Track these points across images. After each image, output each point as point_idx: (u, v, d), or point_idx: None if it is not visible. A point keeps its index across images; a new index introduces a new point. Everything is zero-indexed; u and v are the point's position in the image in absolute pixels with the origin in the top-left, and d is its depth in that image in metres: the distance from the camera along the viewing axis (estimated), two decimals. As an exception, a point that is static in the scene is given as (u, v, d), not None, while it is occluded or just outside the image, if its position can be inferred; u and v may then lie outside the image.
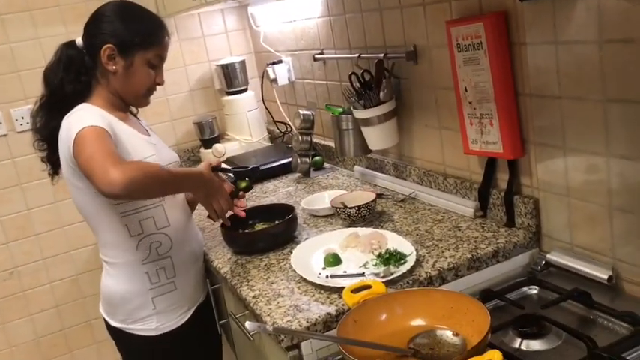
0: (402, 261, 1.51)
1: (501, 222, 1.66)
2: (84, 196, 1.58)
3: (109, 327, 1.73)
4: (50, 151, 1.65)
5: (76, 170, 1.49)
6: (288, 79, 2.76)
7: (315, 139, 2.55)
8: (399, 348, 1.19)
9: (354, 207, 1.79)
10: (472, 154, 1.70)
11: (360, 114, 1.97)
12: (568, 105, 1.38)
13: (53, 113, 1.60)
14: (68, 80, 1.59)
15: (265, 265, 1.69)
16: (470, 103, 1.62)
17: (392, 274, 1.46)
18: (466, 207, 1.75)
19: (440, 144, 1.88)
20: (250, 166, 1.86)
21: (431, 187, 1.93)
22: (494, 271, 1.55)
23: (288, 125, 2.84)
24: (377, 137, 1.98)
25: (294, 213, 1.82)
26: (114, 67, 1.59)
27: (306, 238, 1.80)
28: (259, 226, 1.90)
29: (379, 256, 1.57)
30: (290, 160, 2.49)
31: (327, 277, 1.53)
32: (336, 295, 1.44)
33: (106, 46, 1.57)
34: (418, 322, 1.27)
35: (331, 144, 2.54)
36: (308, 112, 2.41)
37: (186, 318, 1.73)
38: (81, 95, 1.60)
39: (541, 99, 1.45)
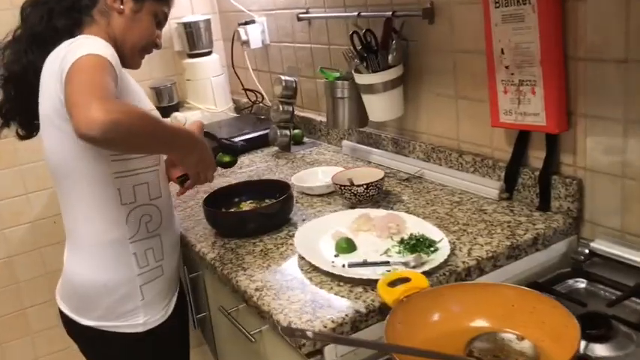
0: (432, 248, 1.29)
1: (532, 205, 1.47)
2: (70, 146, 1.25)
3: (75, 327, 1.40)
4: (5, 96, 1.36)
5: (64, 108, 1.16)
6: (262, 42, 2.47)
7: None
8: (460, 357, 0.97)
9: (362, 185, 1.55)
10: (501, 127, 1.49)
11: (364, 79, 1.72)
12: (637, 70, 1.19)
13: (32, 47, 1.31)
14: (58, 12, 1.32)
15: (261, 250, 1.43)
16: (506, 67, 1.40)
17: (423, 263, 1.24)
18: (488, 187, 1.55)
19: (455, 116, 1.66)
20: (239, 141, 1.60)
21: (440, 165, 1.72)
22: (531, 261, 1.35)
23: (259, 94, 2.55)
24: (381, 107, 1.75)
25: (290, 191, 1.56)
26: (121, 6, 1.35)
27: (304, 220, 1.55)
28: (245, 205, 1.62)
29: (402, 242, 1.34)
30: (267, 131, 2.21)
31: (343, 266, 1.28)
32: (360, 289, 1.20)
33: None
34: (478, 323, 1.05)
35: (311, 116, 2.30)
36: (290, 79, 2.14)
37: (171, 310, 1.46)
38: (70, 32, 1.30)
39: (599, 63, 1.25)
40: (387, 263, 1.27)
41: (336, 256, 1.34)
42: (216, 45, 2.75)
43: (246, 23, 2.46)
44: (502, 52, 1.40)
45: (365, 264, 1.28)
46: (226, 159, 1.60)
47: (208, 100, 2.65)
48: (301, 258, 1.34)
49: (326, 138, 2.22)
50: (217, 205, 1.60)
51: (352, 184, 1.57)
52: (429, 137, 1.78)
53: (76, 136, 1.04)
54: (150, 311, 1.39)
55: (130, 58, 1.40)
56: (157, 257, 1.39)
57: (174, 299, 1.50)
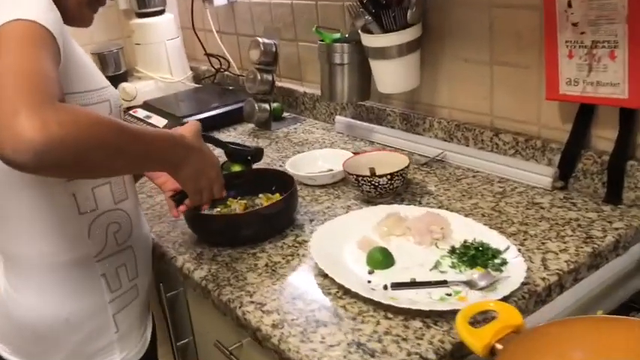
0: (498, 261, 1.00)
1: (597, 196, 1.20)
2: None
3: None
4: None
5: None
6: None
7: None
8: None
9: (385, 175, 1.23)
10: (561, 101, 1.20)
11: (376, 41, 1.39)
12: None
13: None
14: None
15: (266, 265, 1.10)
16: (574, 25, 1.11)
17: (492, 283, 0.94)
18: (537, 174, 1.27)
19: (488, 86, 1.37)
20: (253, 146, 1.26)
21: (467, 146, 1.43)
22: (609, 270, 1.08)
23: (224, 60, 2.18)
24: (395, 75, 1.43)
25: (295, 185, 1.22)
26: None
27: (312, 221, 1.23)
28: (235, 203, 1.28)
29: (453, 251, 1.04)
30: (241, 105, 1.86)
31: (385, 287, 0.98)
32: (418, 323, 0.89)
33: None
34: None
35: (292, 86, 1.96)
36: (269, 42, 1.79)
37: (149, 338, 1.15)
38: None
39: None
40: (443, 283, 0.97)
41: (370, 272, 1.03)
42: (171, 3, 2.33)
43: (208, -25, 2.08)
44: (569, 5, 1.11)
45: (414, 284, 0.98)
46: (236, 168, 1.27)
47: (162, 67, 2.25)
48: (323, 275, 1.02)
49: (311, 113, 1.89)
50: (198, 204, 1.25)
51: (373, 175, 1.25)
52: (450, 112, 1.48)
53: None
54: (127, 345, 1.07)
55: (77, 12, 1.00)
56: (130, 275, 1.06)
57: (150, 324, 1.18)
